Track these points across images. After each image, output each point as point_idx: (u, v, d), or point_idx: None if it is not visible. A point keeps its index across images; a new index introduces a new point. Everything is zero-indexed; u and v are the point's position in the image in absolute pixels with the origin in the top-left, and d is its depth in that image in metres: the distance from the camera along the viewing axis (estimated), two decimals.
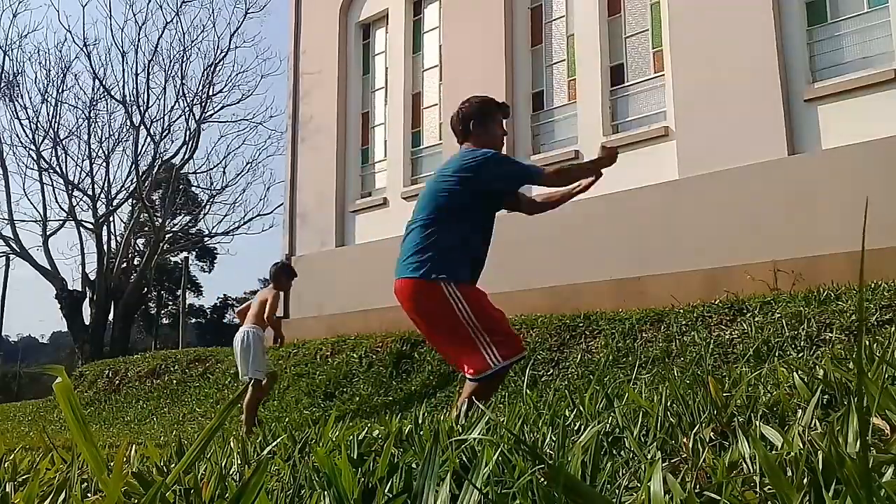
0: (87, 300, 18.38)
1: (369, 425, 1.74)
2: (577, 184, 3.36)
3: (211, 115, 19.21)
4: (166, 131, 19.02)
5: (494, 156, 3.20)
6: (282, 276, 6.58)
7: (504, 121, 3.45)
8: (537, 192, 3.67)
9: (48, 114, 18.83)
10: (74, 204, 18.79)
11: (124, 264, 19.71)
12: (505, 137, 3.47)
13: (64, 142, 18.90)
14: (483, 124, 3.33)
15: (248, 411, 6.00)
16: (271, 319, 6.20)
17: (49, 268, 18.19)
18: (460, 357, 3.07)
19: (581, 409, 1.56)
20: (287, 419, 6.27)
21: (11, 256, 18.76)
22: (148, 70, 18.66)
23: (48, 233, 18.59)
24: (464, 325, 2.97)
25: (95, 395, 9.93)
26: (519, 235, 8.09)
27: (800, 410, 1.20)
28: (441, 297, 2.99)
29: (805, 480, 0.78)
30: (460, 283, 3.03)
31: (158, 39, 25.21)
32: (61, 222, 19.17)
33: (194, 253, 30.65)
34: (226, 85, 22.09)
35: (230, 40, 19.93)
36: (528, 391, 3.03)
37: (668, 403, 1.33)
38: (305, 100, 11.90)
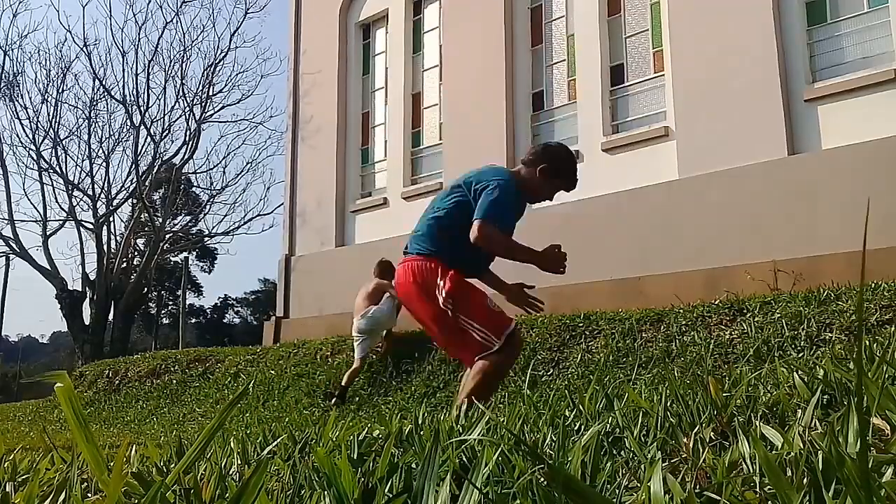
0: (87, 300, 18.37)
1: (369, 425, 1.74)
2: (526, 299, 3.23)
3: (211, 115, 19.18)
4: (166, 131, 19.00)
5: (500, 186, 3.08)
6: (387, 273, 7.42)
7: (559, 192, 3.32)
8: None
9: (48, 114, 18.80)
10: (74, 204, 18.79)
11: (124, 264, 19.69)
12: (546, 201, 3.36)
13: (64, 142, 18.88)
14: (549, 175, 3.23)
15: (388, 345, 7.36)
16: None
17: (49, 268, 18.18)
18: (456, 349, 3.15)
19: (581, 409, 1.56)
20: (287, 419, 6.27)
21: (11, 256, 18.77)
22: (148, 70, 18.65)
23: (48, 233, 18.58)
24: (448, 316, 3.01)
25: (95, 395, 9.93)
26: (518, 236, 8.09)
27: (800, 410, 1.20)
28: (433, 278, 3.06)
29: (805, 480, 0.78)
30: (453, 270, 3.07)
31: (158, 39, 25.20)
32: (61, 222, 19.17)
33: (194, 253, 30.66)
34: (226, 85, 22.05)
35: (230, 40, 19.91)
36: (528, 391, 3.03)
37: (668, 403, 1.33)
38: (305, 100, 11.90)
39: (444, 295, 3.00)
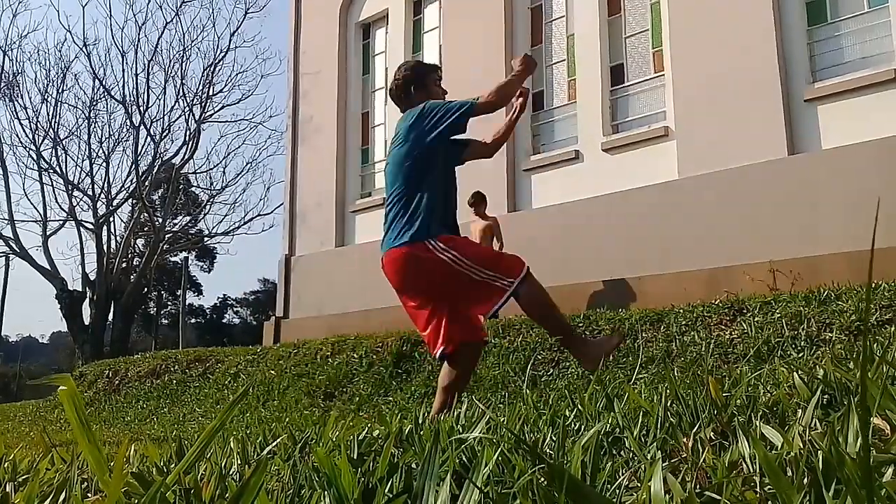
0: (87, 300, 18.37)
1: (369, 425, 1.74)
2: (513, 109, 3.33)
3: (211, 115, 19.21)
4: (166, 131, 19.03)
5: (430, 102, 3.23)
6: (483, 204, 7.88)
7: (440, 80, 3.47)
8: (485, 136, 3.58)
9: (48, 114, 18.82)
10: (74, 204, 18.80)
11: (124, 264, 19.71)
12: (446, 96, 3.46)
13: (64, 142, 18.90)
14: (423, 86, 3.37)
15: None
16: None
17: (49, 268, 18.19)
18: (471, 305, 3.14)
19: (581, 409, 1.56)
20: (287, 419, 6.27)
21: (11, 256, 18.78)
22: (148, 70, 18.67)
23: (48, 233, 18.60)
24: (463, 272, 3.02)
25: (95, 395, 9.93)
26: (519, 235, 8.10)
27: (800, 410, 1.20)
28: (432, 255, 3.05)
29: (805, 480, 0.78)
30: (441, 237, 3.09)
31: (158, 39, 25.30)
32: (61, 222, 19.18)
33: (194, 253, 30.66)
34: (226, 85, 22.13)
35: (230, 40, 19.96)
36: (528, 391, 3.03)
37: (668, 403, 1.33)
38: (305, 100, 11.91)
39: (440, 250, 3.04)
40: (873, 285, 4.71)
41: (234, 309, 39.48)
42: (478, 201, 7.80)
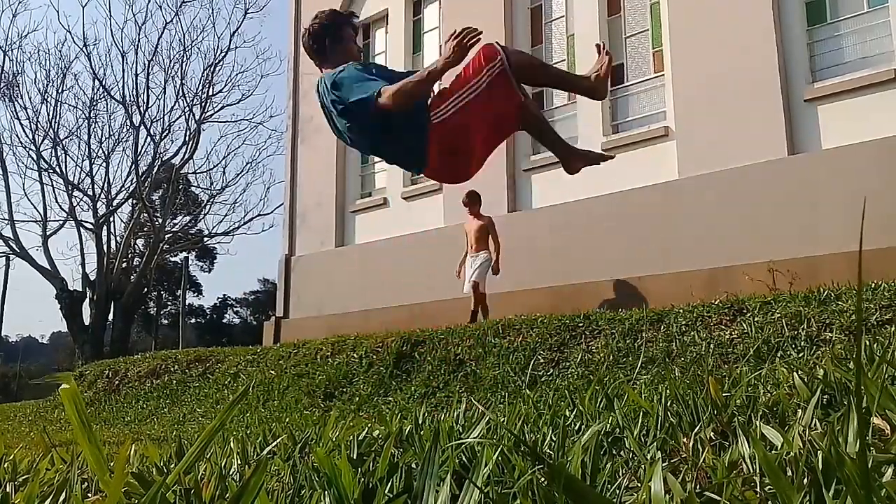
0: (87, 300, 18.37)
1: (369, 425, 1.74)
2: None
3: (211, 115, 19.20)
4: (166, 131, 19.02)
5: (344, 77, 2.98)
6: (478, 202, 7.84)
7: (357, 34, 3.26)
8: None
9: (48, 114, 18.80)
10: (74, 204, 18.80)
11: (124, 264, 19.71)
12: (361, 53, 3.28)
13: (64, 142, 18.89)
14: (339, 39, 3.15)
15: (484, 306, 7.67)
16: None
17: (49, 268, 18.18)
18: (500, 104, 3.10)
19: (581, 409, 1.56)
20: (287, 419, 6.27)
21: (11, 256, 18.78)
22: (148, 70, 18.66)
23: (48, 233, 18.60)
24: (472, 100, 2.98)
25: (95, 395, 9.92)
26: (519, 235, 8.11)
27: (800, 410, 1.20)
28: (447, 127, 2.98)
29: (805, 480, 0.78)
30: (429, 109, 2.99)
31: (158, 39, 25.24)
32: (61, 222, 19.17)
33: (194, 253, 30.66)
34: (226, 85, 22.11)
35: (230, 40, 19.95)
36: (528, 391, 3.03)
37: (669, 403, 1.33)
38: (305, 100, 11.90)
39: (443, 113, 2.97)
40: (873, 285, 4.71)
41: (234, 309, 39.47)
42: (472, 201, 7.69)
